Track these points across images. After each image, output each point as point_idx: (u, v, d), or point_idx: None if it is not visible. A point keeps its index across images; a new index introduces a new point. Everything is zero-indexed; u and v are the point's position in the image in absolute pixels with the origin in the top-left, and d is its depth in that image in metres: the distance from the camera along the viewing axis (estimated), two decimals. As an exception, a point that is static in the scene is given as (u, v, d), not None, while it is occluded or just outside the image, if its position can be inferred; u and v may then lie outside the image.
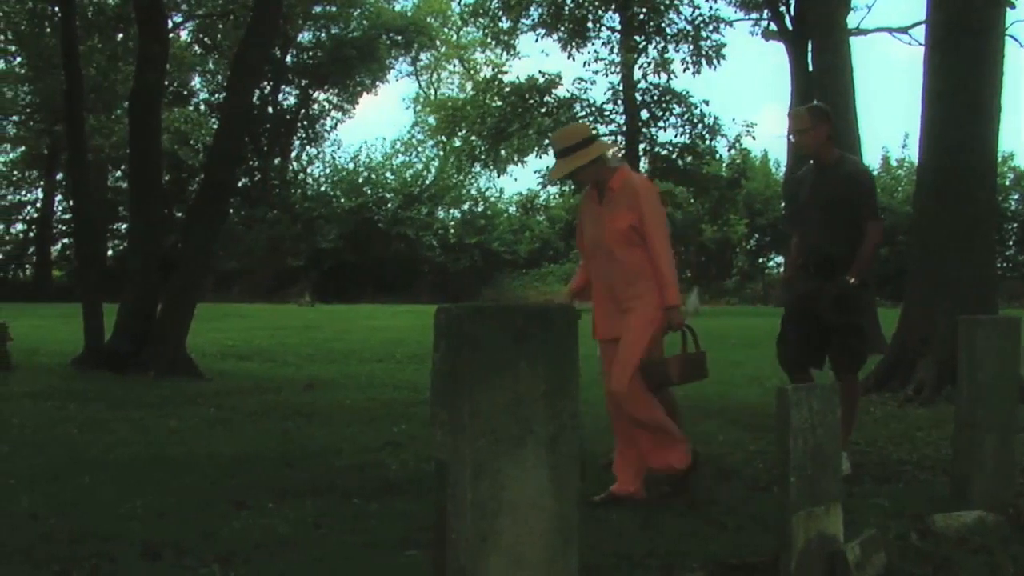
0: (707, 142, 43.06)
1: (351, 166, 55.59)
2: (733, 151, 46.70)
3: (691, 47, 42.52)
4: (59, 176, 52.11)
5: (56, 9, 33.03)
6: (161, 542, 5.87)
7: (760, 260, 55.92)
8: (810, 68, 32.68)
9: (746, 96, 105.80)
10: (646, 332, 7.01)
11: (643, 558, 5.61)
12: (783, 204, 40.21)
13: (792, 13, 41.91)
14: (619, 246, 7.05)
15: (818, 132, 8.18)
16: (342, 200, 52.73)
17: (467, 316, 3.21)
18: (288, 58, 54.99)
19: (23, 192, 56.07)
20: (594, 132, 7.74)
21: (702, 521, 6.45)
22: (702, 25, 42.37)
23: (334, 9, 54.35)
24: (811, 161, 8.58)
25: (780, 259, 47.83)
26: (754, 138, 54.77)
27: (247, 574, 5.41)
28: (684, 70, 43.10)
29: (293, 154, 58.85)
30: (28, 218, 55.66)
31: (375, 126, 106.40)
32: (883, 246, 9.14)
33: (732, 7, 43.92)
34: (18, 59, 49.58)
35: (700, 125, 42.62)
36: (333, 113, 59.46)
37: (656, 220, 7.04)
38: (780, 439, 4.63)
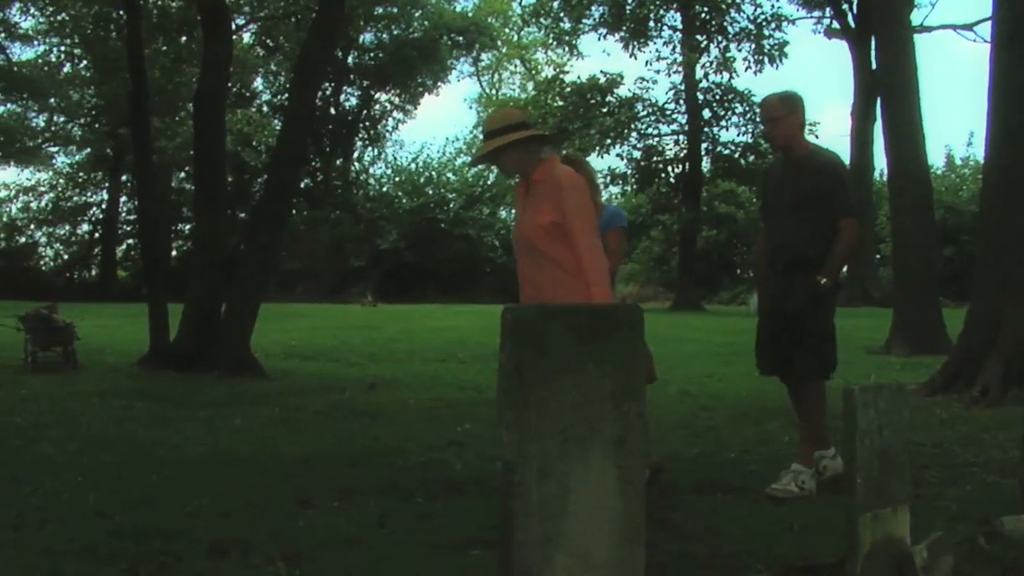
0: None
1: (413, 167, 55.78)
2: (796, 150, 46.39)
3: (753, 46, 42.35)
4: (124, 178, 52.57)
5: (121, 13, 33.41)
6: (227, 540, 5.91)
7: (823, 260, 55.60)
8: (873, 66, 32.53)
9: (809, 95, 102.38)
10: None
11: (708, 559, 5.59)
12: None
13: (855, 11, 41.75)
14: (540, 243, 6.50)
15: (789, 121, 7.65)
16: (404, 200, 52.92)
17: (534, 316, 3.21)
18: (350, 59, 55.19)
19: (89, 194, 56.65)
20: (526, 119, 6.88)
21: (767, 522, 6.41)
22: (764, 23, 42.21)
23: (395, 10, 54.45)
24: (780, 153, 8.01)
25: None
26: (817, 137, 54.09)
27: (312, 573, 5.43)
28: (746, 69, 43.06)
29: (355, 155, 59.13)
30: (94, 219, 56.24)
31: (437, 126, 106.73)
32: (857, 244, 8.46)
33: (794, 5, 43.81)
34: (84, 62, 50.09)
35: (762, 124, 42.39)
36: (395, 114, 59.67)
37: (579, 215, 6.40)
38: (847, 440, 4.58)
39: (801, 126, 7.75)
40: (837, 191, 7.48)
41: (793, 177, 7.62)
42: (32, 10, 45.72)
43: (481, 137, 6.78)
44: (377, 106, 58.89)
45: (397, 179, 56.08)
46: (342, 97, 56.82)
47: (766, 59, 42.29)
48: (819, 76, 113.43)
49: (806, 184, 7.51)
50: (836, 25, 44.27)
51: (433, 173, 56.33)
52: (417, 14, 55.78)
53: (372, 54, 56.28)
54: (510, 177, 6.99)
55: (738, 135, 42.98)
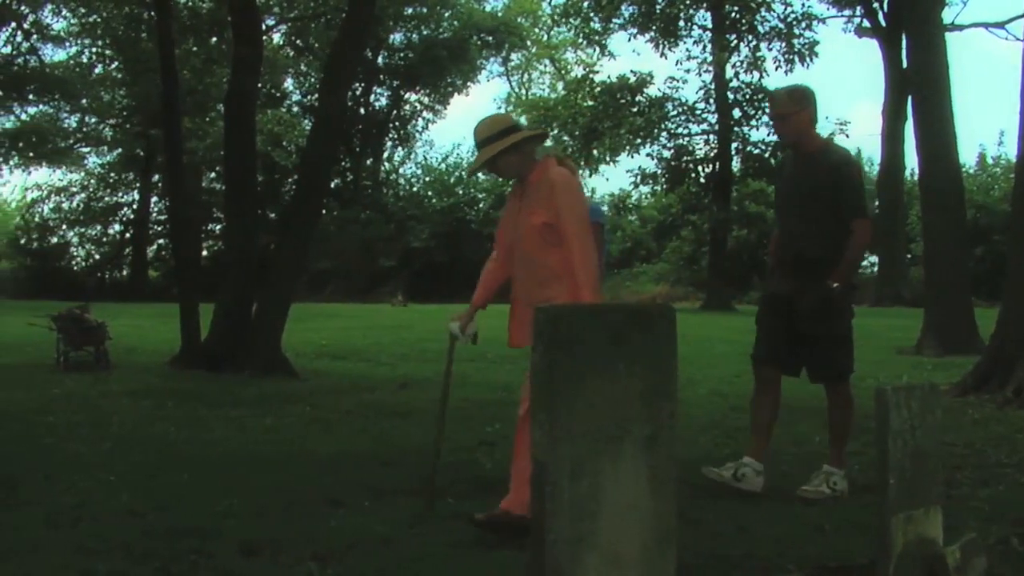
0: (800, 140, 42.62)
1: (443, 167, 55.85)
2: (826, 150, 46.22)
3: (783, 45, 42.17)
4: (155, 178, 52.76)
5: (152, 14, 33.50)
6: (258, 539, 5.94)
7: (854, 259, 55.37)
8: (904, 65, 32.40)
9: (839, 94, 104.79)
10: None
11: (740, 560, 5.58)
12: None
13: (885, 9, 41.60)
14: (533, 245, 6.42)
15: (800, 117, 7.49)
16: (434, 200, 52.97)
17: (566, 316, 3.21)
18: (380, 59, 55.23)
19: (120, 194, 56.86)
20: (516, 123, 6.93)
21: (799, 523, 6.40)
22: (794, 22, 42.01)
23: (425, 10, 54.49)
24: (791, 149, 7.97)
25: (875, 258, 47.21)
26: (847, 136, 54.02)
27: (343, 572, 5.45)
28: (776, 68, 42.74)
29: (385, 155, 59.17)
30: (125, 219, 56.41)
31: (467, 126, 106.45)
32: (870, 246, 8.28)
33: (825, 4, 43.70)
34: (115, 63, 50.32)
35: (793, 124, 42.20)
36: (424, 114, 59.65)
37: (572, 217, 6.32)
38: (879, 441, 4.56)
39: (812, 122, 7.61)
40: (848, 191, 7.37)
41: (803, 174, 7.54)
42: (64, 12, 45.94)
43: (475, 146, 6.75)
44: (407, 106, 58.91)
45: (427, 179, 56.14)
46: (372, 97, 56.86)
47: (796, 58, 42.10)
48: (850, 75, 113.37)
49: (816, 182, 7.41)
50: (867, 24, 44.11)
51: (463, 173, 56.41)
52: (447, 14, 55.74)
53: (402, 54, 56.28)
54: (508, 180, 6.97)
55: (768, 134, 42.69)
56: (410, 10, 53.78)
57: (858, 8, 44.12)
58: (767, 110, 41.48)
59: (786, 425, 10.25)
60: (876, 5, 42.75)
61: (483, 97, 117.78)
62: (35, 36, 44.05)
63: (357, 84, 50.45)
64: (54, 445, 9.17)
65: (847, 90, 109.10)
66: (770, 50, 42.45)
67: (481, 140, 6.63)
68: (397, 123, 58.42)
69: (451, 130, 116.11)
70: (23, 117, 46.84)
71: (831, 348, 7.47)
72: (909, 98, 27.53)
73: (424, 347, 19.87)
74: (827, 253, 7.27)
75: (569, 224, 6.29)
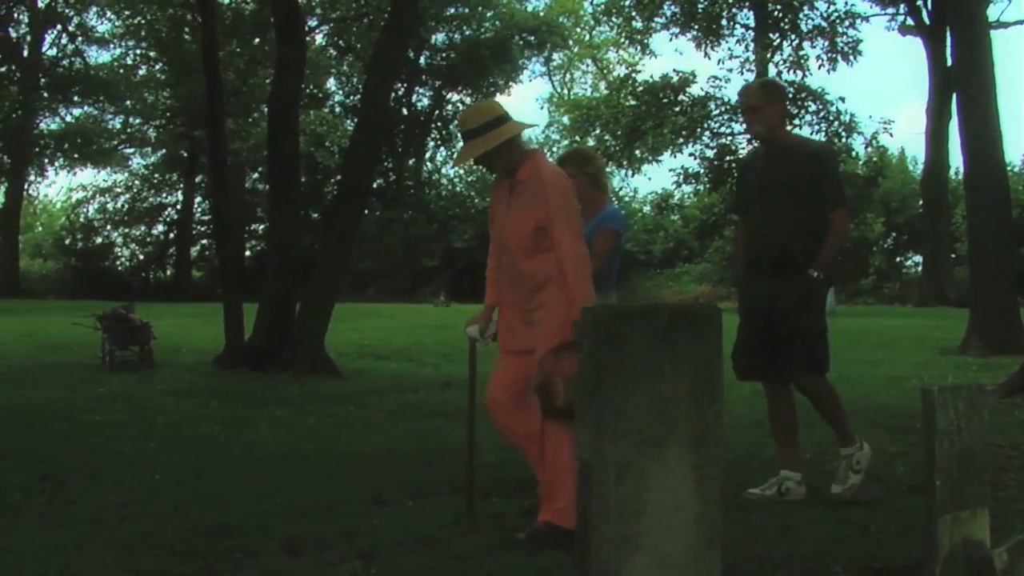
0: (843, 140, 42.42)
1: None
2: (870, 149, 46.04)
3: (826, 43, 42.08)
4: (198, 178, 53.07)
5: (195, 16, 33.67)
6: (302, 538, 5.95)
7: (897, 259, 55.02)
8: (948, 63, 32.19)
9: (883, 93, 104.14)
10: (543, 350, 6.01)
11: (784, 560, 5.56)
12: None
13: (929, 7, 41.34)
14: (524, 248, 6.11)
15: (772, 111, 7.27)
16: (476, 200, 53.01)
17: (612, 316, 3.20)
18: (422, 60, 55.35)
19: (164, 195, 57.23)
20: (504, 112, 6.36)
21: (844, 524, 6.36)
22: (838, 21, 41.90)
23: (467, 10, 54.56)
24: (760, 144, 7.63)
25: (918, 258, 46.96)
26: (891, 135, 53.72)
27: (386, 571, 5.45)
28: (819, 67, 42.68)
29: (427, 155, 59.29)
30: (168, 220, 56.78)
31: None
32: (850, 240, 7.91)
33: (868, 2, 43.51)
34: (159, 65, 50.62)
35: (836, 123, 42.01)
36: (467, 114, 59.67)
37: (565, 218, 6.01)
38: (925, 441, 4.53)
39: (783, 116, 7.50)
40: (827, 181, 7.16)
41: (777, 169, 7.26)
42: (108, 14, 46.23)
43: (461, 135, 6.41)
44: (449, 106, 58.96)
45: (469, 179, 56.20)
46: (414, 97, 57.02)
47: (839, 57, 42.02)
48: (894, 74, 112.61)
49: (792, 176, 7.15)
50: (910, 22, 43.90)
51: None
52: (489, 14, 55.82)
53: (444, 54, 56.38)
54: (503, 174, 6.45)
55: (811, 133, 42.52)
56: (452, 10, 53.88)
57: (902, 6, 43.90)
58: (831, 114, 41.50)
59: (828, 424, 10.20)
60: (920, 3, 42.54)
61: (525, 97, 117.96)
62: (80, 38, 44.42)
63: (399, 84, 50.56)
64: (100, 444, 9.24)
65: (891, 89, 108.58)
66: (813, 48, 42.39)
67: (468, 130, 6.28)
68: (439, 123, 58.50)
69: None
70: (68, 119, 47.27)
71: (811, 342, 7.16)
72: (954, 96, 27.34)
73: (466, 347, 19.88)
74: (804, 248, 7.04)
75: (561, 226, 5.99)
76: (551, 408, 5.94)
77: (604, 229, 7.38)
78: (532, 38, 58.16)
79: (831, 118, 42.01)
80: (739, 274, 7.78)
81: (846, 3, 42.63)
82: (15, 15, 39.48)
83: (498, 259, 6.42)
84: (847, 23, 41.99)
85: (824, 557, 5.61)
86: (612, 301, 7.49)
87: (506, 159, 6.20)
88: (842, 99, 43.27)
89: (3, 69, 41.07)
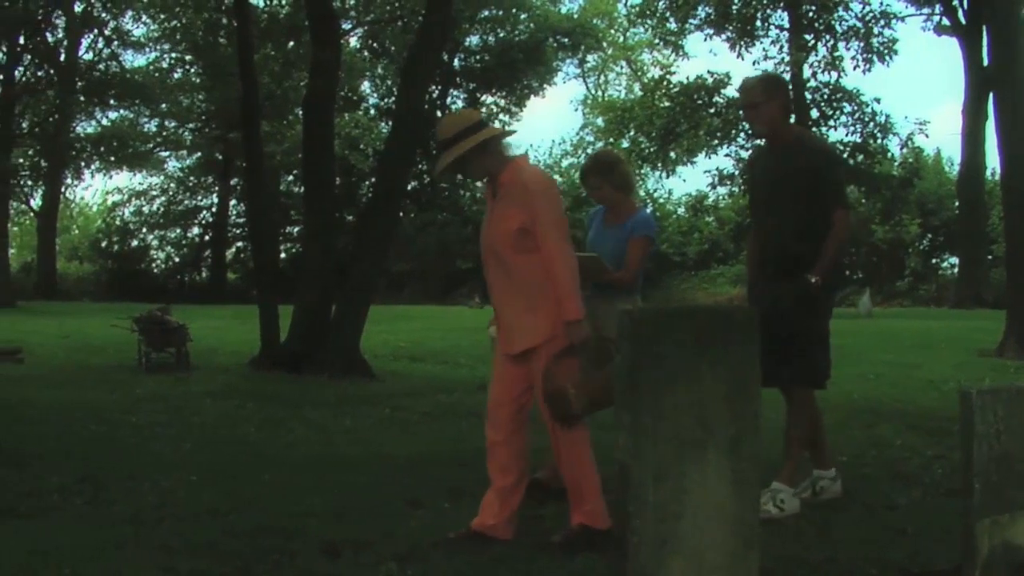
0: (878, 141, 42.24)
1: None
2: (905, 150, 45.82)
3: (861, 44, 41.84)
4: (233, 181, 53.23)
5: (230, 19, 33.79)
6: (339, 540, 5.98)
7: (933, 261, 54.64)
8: (985, 63, 32.01)
9: (919, 93, 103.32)
10: (540, 360, 5.97)
11: (822, 563, 5.55)
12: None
13: (965, 7, 41.07)
14: (508, 251, 6.03)
15: (771, 107, 7.01)
16: (510, 202, 53.00)
17: (650, 319, 3.21)
18: (456, 62, 55.34)
19: (199, 197, 57.43)
20: (482, 119, 6.36)
21: (881, 527, 6.34)
22: (872, 21, 41.66)
23: (501, 13, 54.53)
24: (764, 141, 7.41)
25: (955, 260, 46.62)
26: (927, 136, 53.57)
27: (423, 573, 5.48)
28: (854, 68, 42.46)
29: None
30: (204, 222, 56.95)
31: (543, 129, 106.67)
32: (850, 238, 7.37)
33: (903, 2, 43.22)
34: (194, 68, 50.81)
35: (871, 123, 41.81)
36: (501, 116, 59.66)
37: (550, 220, 5.96)
38: (964, 444, 4.51)
39: (785, 111, 7.19)
40: (828, 179, 6.91)
41: (778, 167, 7.06)
42: (144, 18, 46.42)
43: (439, 144, 6.33)
44: (483, 109, 58.93)
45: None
46: (448, 100, 56.98)
47: (875, 57, 41.78)
48: (929, 74, 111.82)
49: (793, 173, 6.91)
50: (946, 22, 43.58)
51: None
52: (522, 16, 55.76)
53: (478, 57, 56.35)
54: (479, 181, 6.50)
55: (847, 135, 42.43)
56: (486, 13, 53.84)
57: (937, 6, 43.62)
58: (866, 115, 41.29)
59: (867, 428, 10.19)
60: (956, 2, 42.24)
61: (559, 99, 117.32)
62: (116, 42, 44.52)
63: (434, 87, 50.56)
64: (137, 445, 9.29)
65: (927, 89, 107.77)
66: (848, 49, 42.15)
67: (445, 139, 6.19)
68: (474, 126, 58.41)
69: (527, 132, 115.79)
70: (104, 122, 47.38)
71: (811, 349, 6.92)
72: (990, 97, 27.18)
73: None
74: (807, 248, 6.79)
75: (547, 228, 5.95)
76: (566, 416, 5.89)
77: (637, 237, 7.38)
78: (566, 40, 58.02)
79: (866, 119, 41.82)
80: (749, 276, 7.58)
81: (881, 3, 42.47)
82: (53, 20, 39.62)
83: (488, 264, 6.28)
84: (882, 23, 41.75)
85: (862, 560, 5.60)
86: (638, 304, 7.48)
87: (483, 164, 6.17)
88: (877, 100, 43.00)
89: (40, 73, 41.23)
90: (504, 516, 6.10)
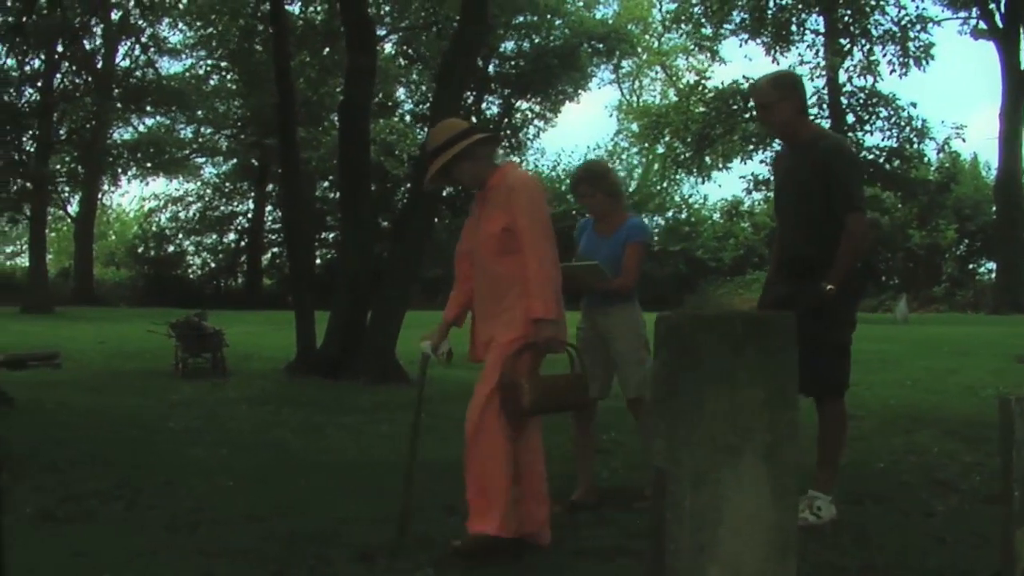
0: (915, 145, 42.12)
1: (553, 174, 55.87)
2: (942, 154, 45.67)
3: (898, 48, 41.73)
4: (269, 187, 53.48)
5: (266, 26, 33.90)
6: (375, 545, 5.98)
7: (970, 266, 54.41)
8: (1022, 66, 31.87)
9: (955, 97, 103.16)
10: (504, 349, 5.95)
11: (859, 571, 5.52)
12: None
13: (1002, 10, 40.90)
14: (491, 253, 6.02)
15: (783, 106, 6.73)
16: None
17: (687, 324, 3.20)
18: (491, 68, 55.41)
19: (235, 203, 57.74)
20: (470, 126, 6.34)
21: (919, 534, 6.30)
22: (909, 25, 41.56)
23: (536, 19, 54.59)
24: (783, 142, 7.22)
25: (992, 265, 46.42)
26: (964, 140, 53.21)
27: (459, 579, 5.49)
28: (891, 72, 42.37)
29: (497, 163, 59.28)
30: (239, 228, 57.24)
31: (578, 134, 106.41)
32: (867, 243, 6.90)
33: (940, 6, 43.06)
34: (230, 75, 51.06)
35: (907, 128, 41.69)
36: (536, 122, 59.74)
37: (530, 220, 5.90)
38: (1003, 451, 4.48)
39: (799, 110, 6.85)
40: (840, 181, 6.55)
41: (795, 167, 6.81)
42: (180, 25, 46.70)
43: (427, 155, 6.33)
44: (518, 114, 59.05)
45: (540, 187, 56.18)
46: (484, 105, 57.10)
47: (911, 61, 41.64)
48: (966, 78, 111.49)
49: (807, 173, 6.65)
50: (983, 25, 43.43)
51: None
52: (557, 22, 55.83)
53: (513, 63, 56.43)
54: (471, 189, 6.35)
55: (883, 140, 42.34)
56: (521, 18, 53.91)
57: (974, 9, 43.45)
58: (902, 120, 41.07)
59: (905, 434, 10.14)
60: (992, 6, 42.09)
61: (594, 104, 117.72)
62: (152, 49, 44.82)
63: (469, 92, 50.65)
64: (174, 450, 9.32)
65: (964, 93, 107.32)
66: (884, 54, 42.03)
67: (432, 149, 6.22)
68: (508, 131, 58.53)
69: (562, 138, 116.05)
70: (141, 129, 47.71)
71: (830, 358, 6.62)
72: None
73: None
74: (821, 252, 6.53)
75: (527, 228, 5.90)
76: (515, 409, 5.85)
77: (633, 243, 7.36)
78: (601, 46, 58.02)
79: (902, 124, 41.69)
80: (769, 280, 7.35)
81: (917, 7, 42.39)
82: (90, 28, 39.90)
83: (470, 270, 6.31)
84: (918, 27, 41.64)
85: (900, 568, 5.57)
86: (639, 310, 7.45)
87: (471, 171, 6.15)
88: (913, 104, 42.90)
89: (78, 81, 41.52)
90: (539, 522, 6.03)
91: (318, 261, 49.45)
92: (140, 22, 41.68)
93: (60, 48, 38.60)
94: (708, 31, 45.67)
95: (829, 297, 6.45)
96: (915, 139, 41.90)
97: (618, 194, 7.62)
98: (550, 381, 6.09)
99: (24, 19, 29.44)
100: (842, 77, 42.32)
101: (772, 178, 7.37)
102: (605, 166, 8.44)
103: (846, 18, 42.24)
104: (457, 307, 6.49)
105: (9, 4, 31.24)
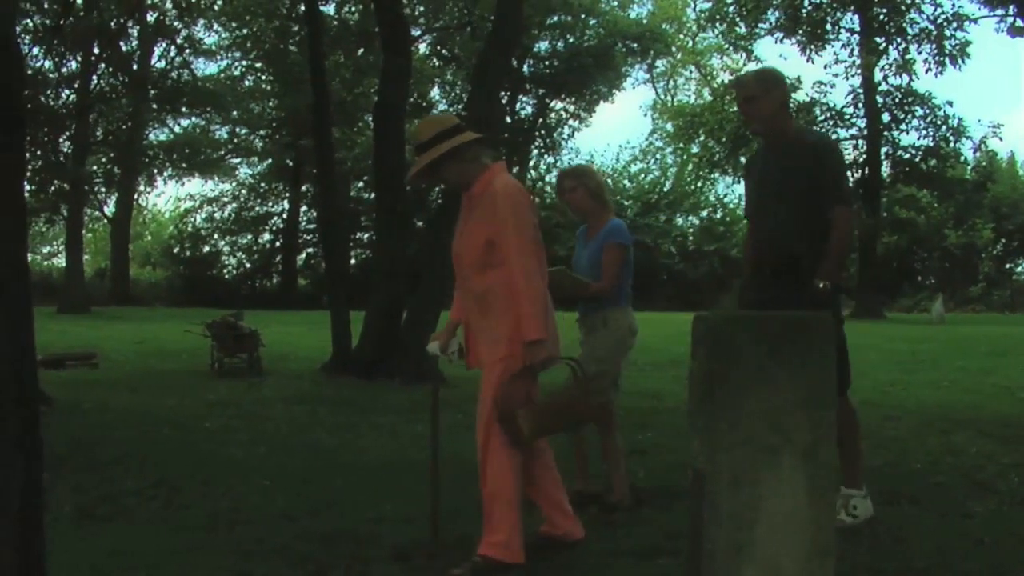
0: (951, 144, 41.85)
1: (587, 174, 55.82)
2: (979, 153, 45.39)
3: (934, 46, 41.46)
4: (304, 187, 53.66)
5: (301, 27, 33.97)
6: (411, 545, 6.00)
7: (1007, 266, 54.12)
8: (1061, 66, 31.59)
9: (992, 96, 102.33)
10: (494, 375, 5.76)
11: (897, 572, 5.50)
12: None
13: (1040, 8, 40.60)
14: (473, 266, 5.80)
15: (769, 101, 6.67)
16: (578, 207, 53.02)
17: (726, 324, 3.19)
18: (525, 68, 55.39)
19: (270, 203, 57.93)
20: (459, 123, 6.05)
21: (957, 535, 6.27)
22: (945, 24, 41.26)
23: (570, 18, 54.56)
24: (763, 139, 7.05)
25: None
26: (1001, 139, 53.03)
27: (497, 578, 5.49)
28: (927, 71, 42.07)
29: (531, 163, 59.30)
30: (274, 228, 57.42)
31: (612, 134, 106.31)
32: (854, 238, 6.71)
33: (976, 4, 42.74)
34: (265, 76, 51.25)
35: (944, 127, 41.44)
36: (570, 121, 59.69)
37: (516, 233, 5.62)
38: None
39: (783, 105, 6.79)
40: (828, 175, 6.46)
41: (776, 164, 6.71)
42: (215, 26, 46.92)
43: (414, 149, 6.06)
44: (552, 114, 58.99)
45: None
46: (518, 106, 57.07)
47: (947, 60, 41.38)
48: (1003, 76, 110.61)
49: (792, 170, 6.55)
50: (1020, 23, 43.11)
51: (609, 180, 56.45)
52: (592, 22, 55.76)
53: (547, 62, 56.37)
54: (455, 189, 6.10)
55: (919, 139, 42.09)
56: (555, 18, 53.89)
57: (1011, 7, 43.14)
58: (938, 118, 40.85)
59: (942, 435, 10.09)
60: (1030, 4, 41.79)
61: (629, 104, 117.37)
62: (188, 51, 45.01)
63: (503, 92, 50.68)
64: (211, 450, 9.36)
65: (1000, 92, 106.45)
66: (920, 52, 41.76)
67: (418, 144, 5.95)
68: (543, 131, 58.53)
69: (597, 137, 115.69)
70: (176, 129, 47.92)
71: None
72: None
73: (572, 354, 19.88)
74: (808, 250, 6.42)
75: (511, 242, 5.63)
76: (516, 439, 5.71)
77: (609, 244, 7.28)
78: (635, 45, 57.93)
79: (938, 123, 41.45)
80: (744, 283, 7.19)
81: (953, 5, 42.09)
82: (127, 30, 40.11)
83: (459, 278, 6.08)
84: (954, 25, 41.32)
85: (937, 569, 5.54)
86: (630, 316, 7.38)
87: (457, 171, 5.91)
88: (950, 103, 42.72)
89: (114, 82, 41.75)
90: (568, 517, 6.02)
91: (353, 261, 49.57)
92: (176, 24, 41.86)
93: (97, 50, 38.82)
94: (742, 30, 45.54)
95: (825, 295, 6.32)
96: (951, 138, 41.63)
97: (601, 195, 7.53)
98: (546, 404, 5.87)
99: (61, 21, 29.57)
100: (877, 76, 42.12)
101: (747, 178, 7.08)
102: (592, 167, 8.45)
103: (881, 16, 42.05)
104: (462, 307, 6.22)
105: (47, 6, 31.41)
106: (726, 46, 50.62)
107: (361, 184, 52.15)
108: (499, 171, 5.93)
